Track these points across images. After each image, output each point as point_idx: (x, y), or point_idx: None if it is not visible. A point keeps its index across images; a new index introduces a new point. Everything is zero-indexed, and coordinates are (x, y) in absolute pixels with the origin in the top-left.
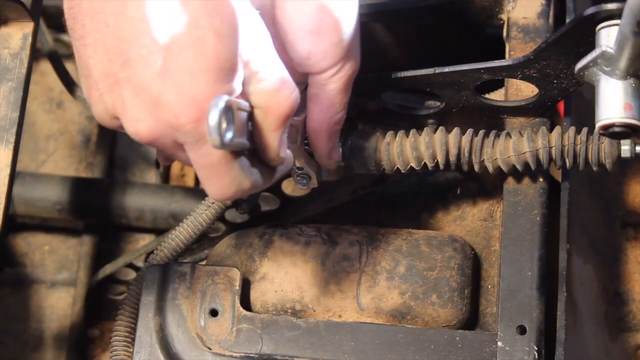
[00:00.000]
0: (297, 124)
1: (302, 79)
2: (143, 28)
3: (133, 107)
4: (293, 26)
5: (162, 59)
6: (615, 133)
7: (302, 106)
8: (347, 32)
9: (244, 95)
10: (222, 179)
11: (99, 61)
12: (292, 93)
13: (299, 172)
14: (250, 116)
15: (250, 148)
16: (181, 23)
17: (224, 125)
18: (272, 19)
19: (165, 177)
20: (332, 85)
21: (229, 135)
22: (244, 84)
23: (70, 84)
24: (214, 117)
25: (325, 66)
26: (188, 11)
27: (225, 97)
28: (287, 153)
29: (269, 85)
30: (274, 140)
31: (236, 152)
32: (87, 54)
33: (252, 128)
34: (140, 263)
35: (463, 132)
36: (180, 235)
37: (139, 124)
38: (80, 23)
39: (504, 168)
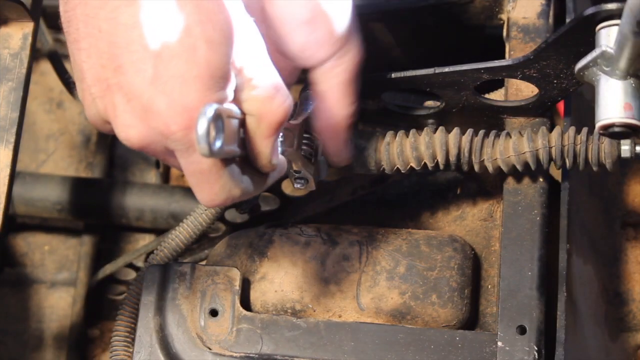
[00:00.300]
0: (293, 128)
1: (292, 79)
2: (135, 35)
3: (124, 113)
4: (285, 17)
5: (153, 66)
6: (615, 133)
7: (299, 109)
8: (342, 20)
9: (236, 102)
10: (212, 187)
11: (91, 66)
12: (285, 100)
13: (296, 175)
14: (242, 123)
15: (241, 155)
16: (173, 30)
17: (213, 133)
18: (262, 14)
19: (165, 177)
20: (335, 79)
21: (218, 144)
22: (236, 90)
23: (70, 84)
24: (202, 126)
25: (322, 57)
26: (181, 19)
27: (215, 106)
28: (279, 159)
29: (262, 92)
30: (266, 147)
31: (227, 160)
32: (81, 58)
33: (243, 135)
34: (140, 263)
35: (463, 132)
36: (180, 235)
37: (129, 130)
38: (74, 27)
39: (504, 168)
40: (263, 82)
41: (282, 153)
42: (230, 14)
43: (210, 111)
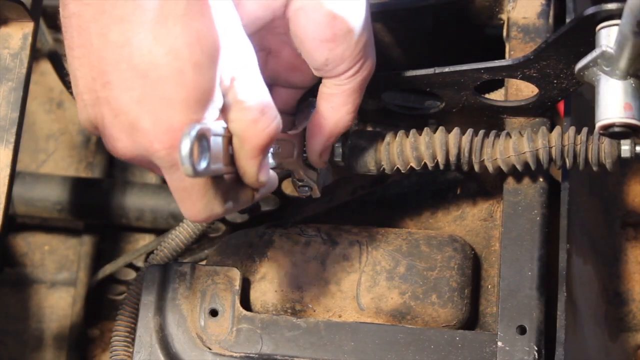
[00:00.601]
0: (293, 139)
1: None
2: (124, 54)
3: (111, 126)
4: (308, 35)
5: (140, 86)
6: (615, 133)
7: (300, 118)
8: (360, 35)
9: (223, 119)
10: (194, 204)
11: (84, 75)
12: (270, 124)
13: (300, 183)
14: (230, 140)
15: (230, 172)
16: (162, 52)
17: (197, 153)
18: (286, 28)
19: None
20: (348, 85)
21: (203, 164)
22: (224, 109)
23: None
24: (185, 146)
25: (343, 70)
26: (169, 40)
27: (198, 126)
28: (270, 175)
29: (247, 115)
30: (252, 167)
31: (212, 177)
32: (74, 66)
33: (232, 152)
34: (140, 263)
35: (463, 132)
36: (180, 235)
37: (116, 143)
38: (69, 34)
39: (504, 168)
40: (249, 104)
41: (281, 164)
42: (221, 34)
43: (193, 132)
